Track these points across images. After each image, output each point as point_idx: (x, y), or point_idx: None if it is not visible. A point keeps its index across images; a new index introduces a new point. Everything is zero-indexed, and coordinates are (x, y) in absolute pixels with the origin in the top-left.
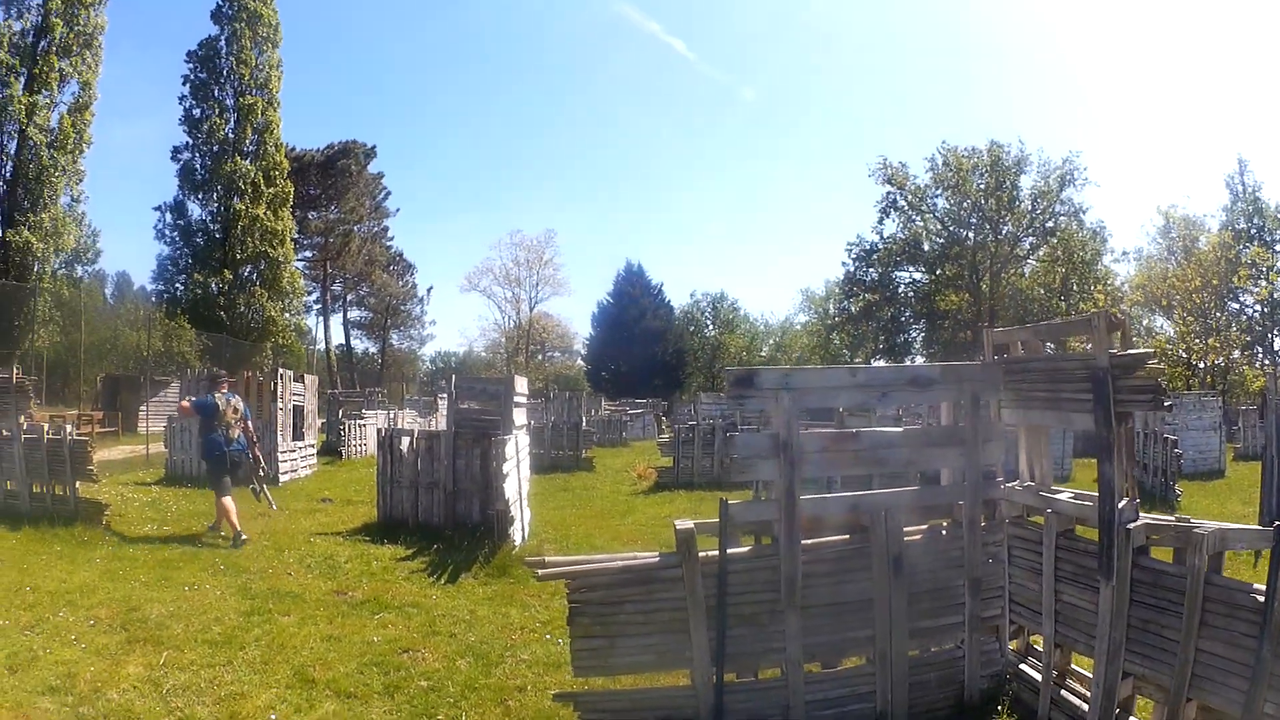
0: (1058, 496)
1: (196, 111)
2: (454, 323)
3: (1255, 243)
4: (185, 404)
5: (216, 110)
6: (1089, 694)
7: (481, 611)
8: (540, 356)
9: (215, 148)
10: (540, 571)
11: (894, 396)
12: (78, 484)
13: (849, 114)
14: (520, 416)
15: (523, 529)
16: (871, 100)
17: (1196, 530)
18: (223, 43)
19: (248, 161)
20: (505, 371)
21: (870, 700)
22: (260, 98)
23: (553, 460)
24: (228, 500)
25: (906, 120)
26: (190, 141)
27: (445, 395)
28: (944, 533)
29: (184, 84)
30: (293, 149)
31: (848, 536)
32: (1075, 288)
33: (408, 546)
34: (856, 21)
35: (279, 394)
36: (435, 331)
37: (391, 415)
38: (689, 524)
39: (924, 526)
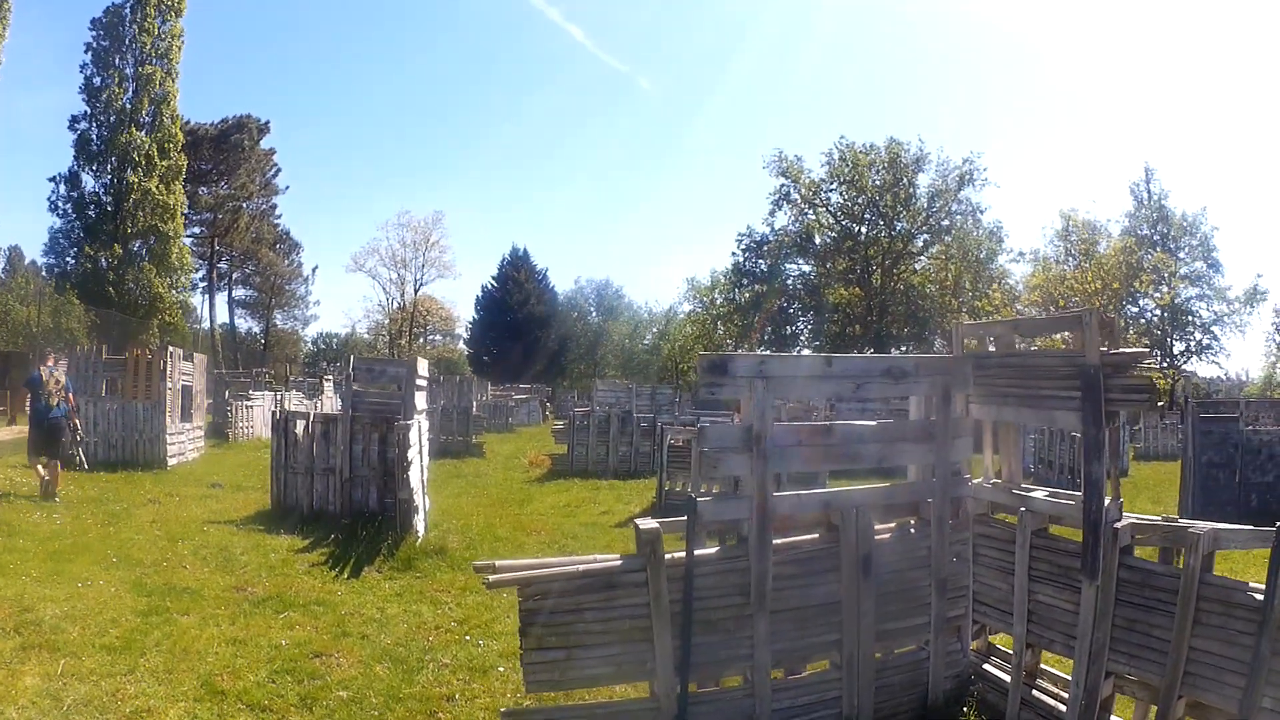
0: (1032, 494)
1: (96, 80)
2: (338, 304)
3: (1159, 249)
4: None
5: (116, 79)
6: (1064, 694)
7: (392, 609)
8: (422, 339)
9: (112, 118)
10: (491, 578)
11: (868, 388)
12: None
13: (743, 109)
14: (421, 401)
15: (424, 519)
16: (767, 95)
17: (1191, 530)
18: (128, 9)
19: (143, 133)
20: (388, 354)
21: (836, 706)
22: (160, 68)
23: (442, 446)
24: (40, 465)
25: (802, 117)
26: (89, 111)
27: (332, 378)
28: (912, 531)
29: (86, 51)
30: (187, 122)
31: (815, 536)
32: (968, 286)
33: (304, 536)
34: (758, 16)
35: (167, 373)
36: (319, 312)
37: (279, 397)
38: (653, 524)
39: (891, 525)
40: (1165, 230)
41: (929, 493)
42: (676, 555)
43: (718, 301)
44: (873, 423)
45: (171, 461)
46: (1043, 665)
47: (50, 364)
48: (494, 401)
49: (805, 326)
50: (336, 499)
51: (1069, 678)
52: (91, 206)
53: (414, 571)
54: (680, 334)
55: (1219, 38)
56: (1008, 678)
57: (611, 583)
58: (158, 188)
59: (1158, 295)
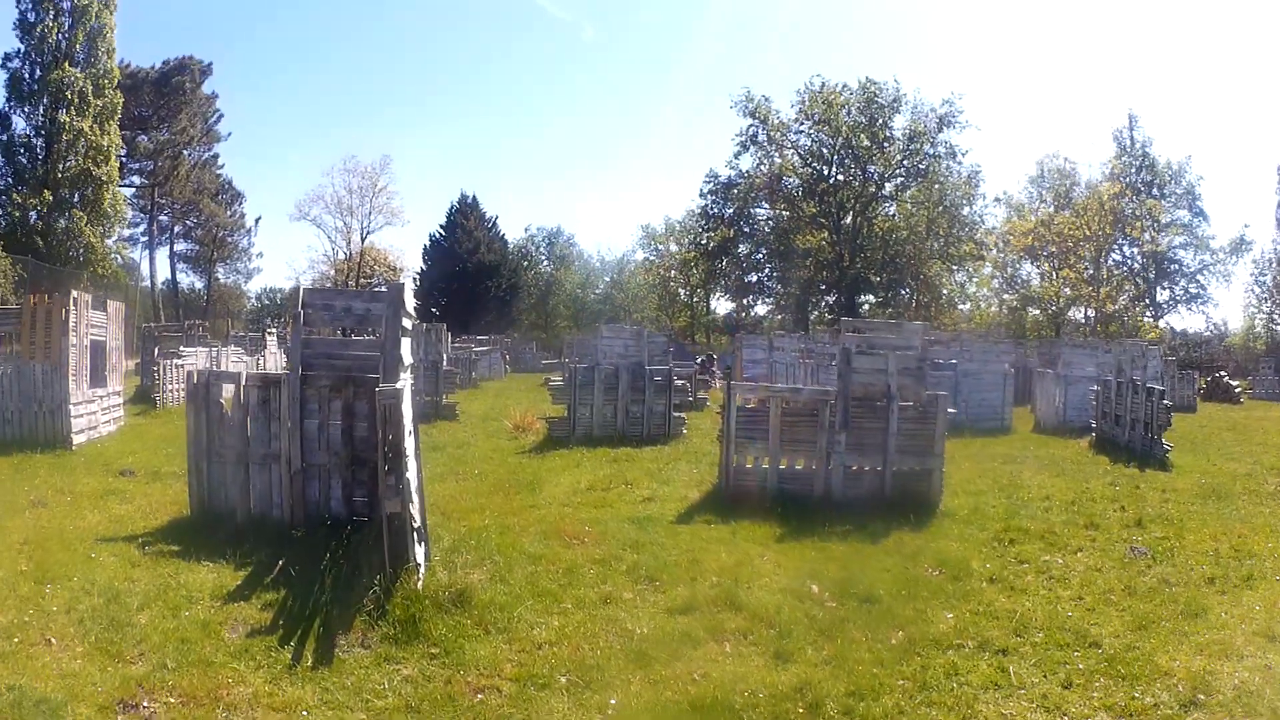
0: None
1: (31, 15)
2: (281, 256)
3: (1144, 196)
4: None
5: (52, 13)
6: None
7: None
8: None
9: (47, 55)
10: None
11: None
12: None
13: (696, 56)
14: (408, 351)
15: (425, 541)
16: (727, 41)
17: None
18: None
19: (77, 69)
20: None
21: None
22: None
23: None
24: None
25: (768, 64)
26: (21, 48)
27: (275, 332)
28: None
29: None
30: (127, 65)
31: None
32: (942, 231)
33: (238, 565)
34: None
35: (71, 325)
36: (262, 265)
37: (214, 353)
38: None
39: None
40: (1150, 178)
41: None
42: None
43: (673, 250)
44: None
45: (78, 439)
46: None
47: None
48: (456, 355)
49: (773, 273)
50: (284, 500)
51: None
52: (21, 150)
53: (424, 642)
54: (633, 283)
55: None
56: None
57: None
58: (91, 128)
59: (1146, 241)
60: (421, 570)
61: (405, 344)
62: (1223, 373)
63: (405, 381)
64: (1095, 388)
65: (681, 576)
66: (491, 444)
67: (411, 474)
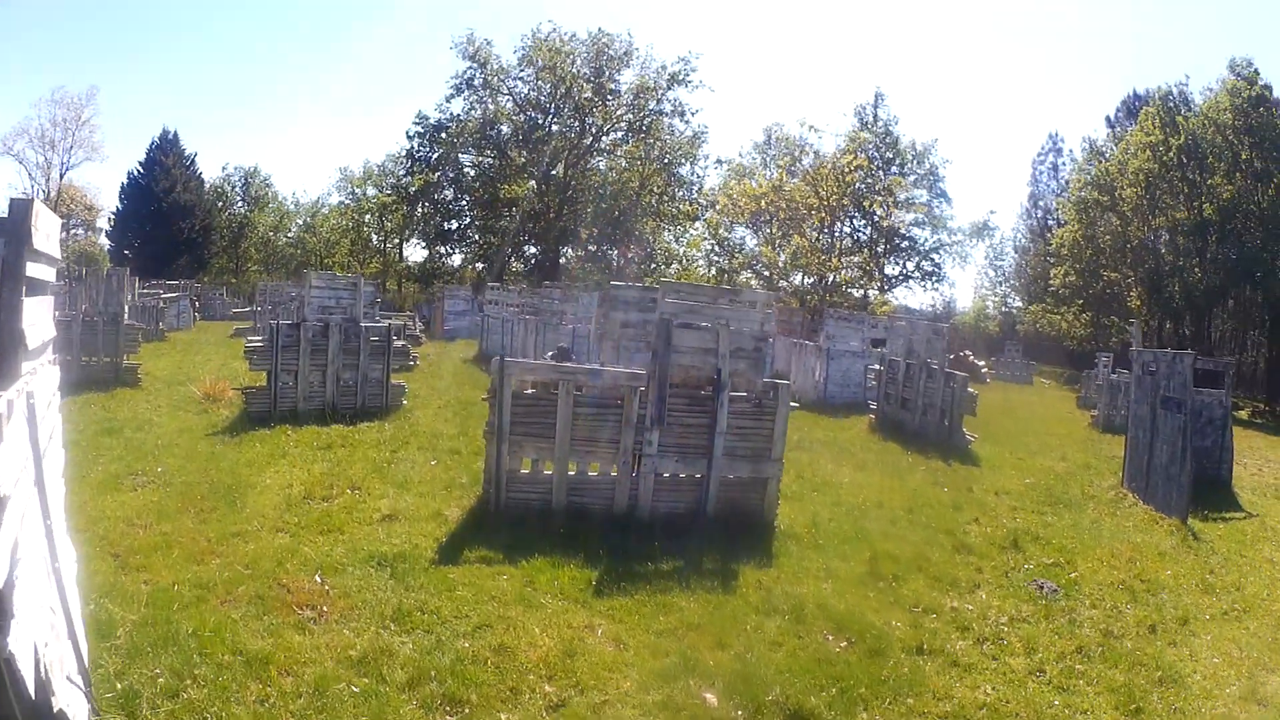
0: None
1: None
2: None
3: (884, 173)
4: None
5: None
6: None
7: None
8: (65, 233)
9: None
10: None
11: None
12: None
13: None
14: (44, 317)
15: (80, 655)
16: None
17: None
18: None
19: None
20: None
21: None
22: None
23: (83, 372)
24: None
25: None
26: None
27: None
28: None
29: None
30: None
31: None
32: (657, 188)
33: None
34: None
35: None
36: None
37: None
38: None
39: None
40: (891, 156)
41: None
42: None
43: (370, 193)
44: None
45: None
46: None
47: None
48: (142, 303)
49: (474, 221)
50: None
51: None
52: None
53: None
54: (326, 226)
55: None
56: None
57: None
58: None
59: (880, 215)
60: None
61: (37, 306)
62: (967, 351)
63: (22, 389)
64: (876, 366)
65: (498, 690)
66: (179, 421)
67: (25, 597)
